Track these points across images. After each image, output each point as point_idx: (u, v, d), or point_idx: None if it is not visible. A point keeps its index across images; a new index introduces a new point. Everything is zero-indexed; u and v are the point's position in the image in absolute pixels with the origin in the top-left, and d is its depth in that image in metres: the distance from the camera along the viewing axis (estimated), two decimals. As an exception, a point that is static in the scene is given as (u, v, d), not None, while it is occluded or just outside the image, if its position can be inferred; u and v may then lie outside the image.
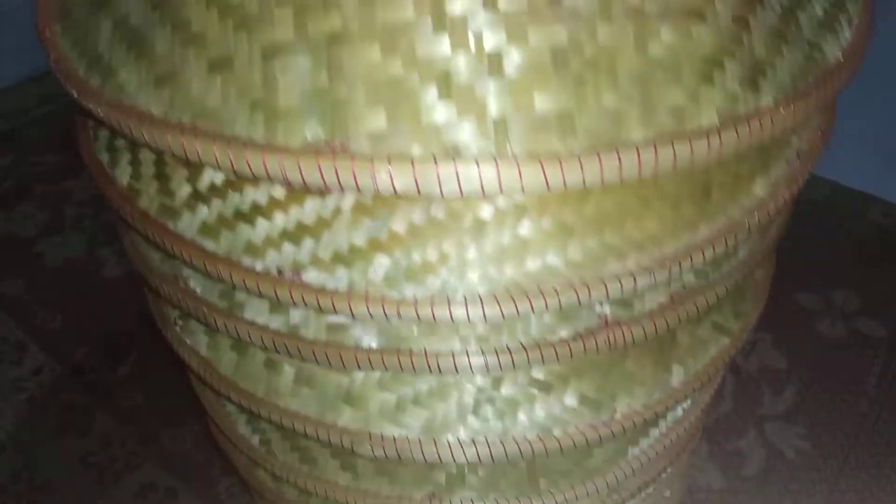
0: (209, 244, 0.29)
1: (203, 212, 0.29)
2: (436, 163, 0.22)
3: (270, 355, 0.35)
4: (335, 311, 0.27)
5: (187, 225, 0.29)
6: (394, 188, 0.22)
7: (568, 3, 0.23)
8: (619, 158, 0.22)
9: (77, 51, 0.29)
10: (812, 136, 0.31)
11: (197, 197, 0.30)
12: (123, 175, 0.32)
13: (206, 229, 0.29)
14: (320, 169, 0.23)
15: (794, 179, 0.30)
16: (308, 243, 0.27)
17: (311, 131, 0.24)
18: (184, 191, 0.30)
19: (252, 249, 0.28)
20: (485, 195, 0.23)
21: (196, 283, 0.33)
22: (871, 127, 1.10)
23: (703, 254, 0.28)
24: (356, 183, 0.22)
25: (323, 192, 0.26)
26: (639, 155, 0.23)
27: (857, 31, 0.29)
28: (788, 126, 0.25)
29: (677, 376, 0.36)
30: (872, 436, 0.84)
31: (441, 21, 0.23)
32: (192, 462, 0.83)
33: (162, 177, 0.31)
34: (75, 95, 0.28)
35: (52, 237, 1.13)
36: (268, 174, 0.23)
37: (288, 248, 0.28)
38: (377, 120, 0.23)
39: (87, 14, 0.29)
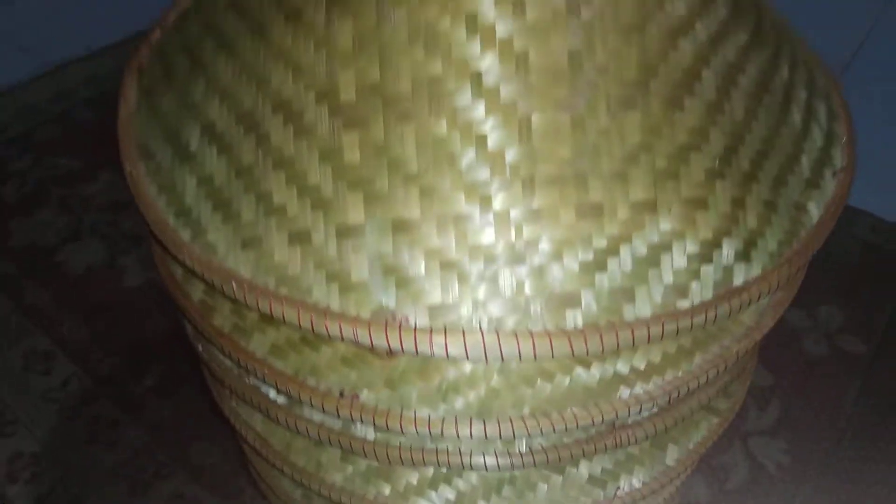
0: (278, 363, 0.34)
1: (272, 335, 0.34)
2: (482, 335, 0.27)
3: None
4: (387, 429, 0.33)
5: (258, 345, 0.34)
6: (447, 354, 0.27)
7: (593, 198, 0.28)
8: (632, 332, 0.27)
9: (164, 199, 0.33)
10: (799, 273, 0.36)
11: (266, 321, 0.34)
12: (196, 291, 0.37)
13: (276, 350, 0.34)
14: (387, 338, 0.28)
15: (780, 306, 0.35)
16: (364, 370, 0.32)
17: (379, 302, 0.28)
18: (254, 314, 0.35)
19: (316, 371, 0.33)
20: (521, 360, 0.28)
21: (261, 385, 0.38)
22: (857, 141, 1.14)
23: (698, 378, 0.33)
24: (416, 350, 0.27)
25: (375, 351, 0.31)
26: (648, 330, 0.28)
27: (840, 182, 0.34)
28: (776, 288, 0.30)
29: (672, 455, 0.41)
30: (849, 451, 0.90)
31: (487, 213, 0.28)
32: (218, 473, 0.89)
33: (235, 299, 0.36)
34: (163, 242, 0.33)
35: (73, 244, 1.17)
36: (342, 337, 0.28)
37: (347, 372, 0.33)
38: (435, 296, 0.28)
39: (171, 163, 0.34)
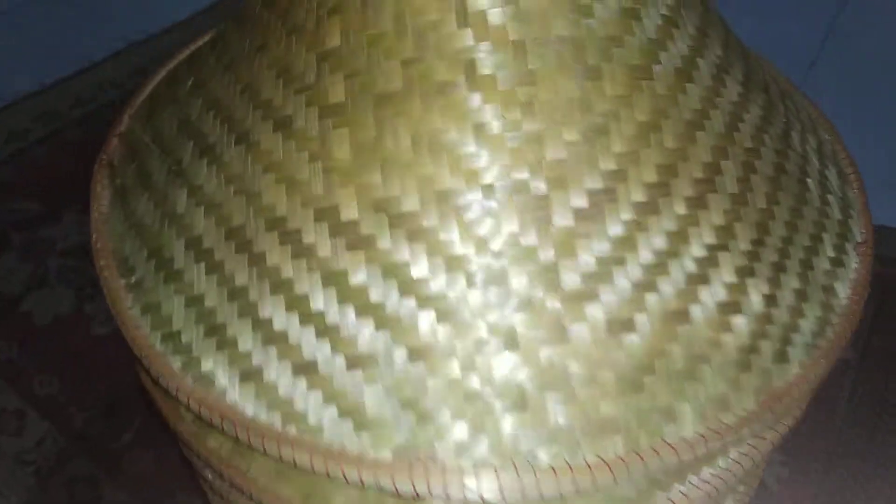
0: (285, 490, 0.31)
1: (272, 464, 0.32)
2: (518, 473, 0.25)
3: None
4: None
5: (261, 471, 0.32)
6: (482, 500, 0.25)
7: (618, 315, 0.26)
8: (676, 453, 0.26)
9: (148, 320, 0.31)
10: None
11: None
12: (188, 413, 0.34)
13: (282, 475, 0.31)
14: (413, 482, 0.25)
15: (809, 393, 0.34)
16: (384, 499, 0.30)
17: (400, 440, 0.26)
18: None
19: (328, 499, 0.31)
20: (562, 498, 0.25)
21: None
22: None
23: (735, 471, 0.31)
24: (446, 495, 0.25)
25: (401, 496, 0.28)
26: (694, 449, 0.26)
27: (863, 256, 0.32)
28: (815, 382, 0.28)
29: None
30: (844, 458, 0.90)
31: (513, 343, 0.26)
32: (207, 528, 0.86)
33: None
34: (150, 369, 0.30)
35: (38, 292, 1.12)
36: (362, 483, 0.26)
37: (362, 497, 0.30)
38: (461, 431, 0.26)
39: (154, 280, 0.31)
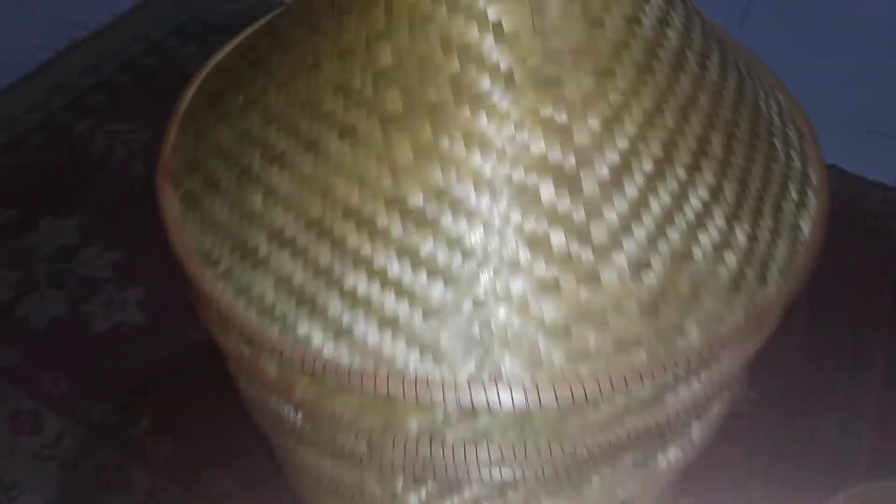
0: (367, 421, 0.38)
1: (357, 397, 0.38)
2: (564, 382, 0.32)
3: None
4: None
5: (345, 407, 0.38)
6: (540, 404, 0.32)
7: (641, 258, 0.33)
8: (688, 358, 0.33)
9: (242, 301, 0.36)
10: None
11: (346, 392, 0.38)
12: (271, 367, 0.40)
13: (363, 409, 0.38)
14: (487, 396, 0.32)
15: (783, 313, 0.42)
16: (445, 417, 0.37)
17: (470, 369, 0.33)
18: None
19: (400, 422, 0.37)
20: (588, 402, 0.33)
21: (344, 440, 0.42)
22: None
23: (727, 374, 0.39)
24: (513, 404, 0.32)
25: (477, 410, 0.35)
26: (700, 354, 0.33)
27: (819, 197, 0.40)
28: (788, 301, 0.36)
29: (695, 431, 0.48)
30: (803, 373, 1.01)
31: (556, 293, 0.33)
32: (234, 498, 0.92)
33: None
34: (253, 338, 0.36)
35: (30, 297, 1.15)
36: (445, 404, 0.33)
37: (430, 419, 0.37)
38: (510, 363, 0.33)
39: (241, 268, 0.37)
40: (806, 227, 0.38)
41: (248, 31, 0.47)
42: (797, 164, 0.40)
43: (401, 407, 0.37)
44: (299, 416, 0.42)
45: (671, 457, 0.46)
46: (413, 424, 0.37)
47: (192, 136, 0.42)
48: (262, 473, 0.94)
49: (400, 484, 0.45)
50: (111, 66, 1.53)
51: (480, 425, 0.37)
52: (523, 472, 0.40)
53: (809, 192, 0.40)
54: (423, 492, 0.45)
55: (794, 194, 0.39)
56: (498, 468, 0.40)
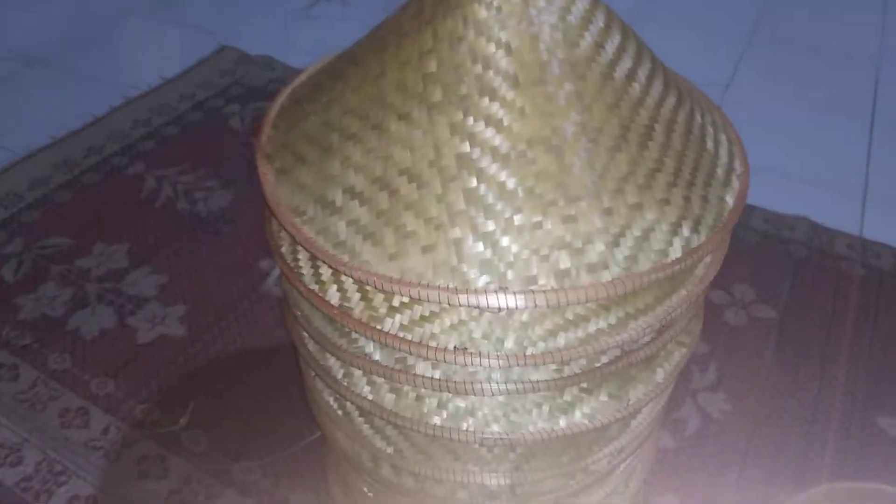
0: (407, 335, 0.51)
1: (399, 318, 0.52)
2: (555, 292, 0.46)
3: (419, 392, 0.58)
4: (479, 366, 0.50)
5: (391, 326, 0.52)
6: (535, 305, 0.46)
7: (605, 205, 0.47)
8: (640, 279, 0.47)
9: (321, 238, 0.51)
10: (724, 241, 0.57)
11: (393, 310, 0.52)
12: (333, 298, 0.54)
13: (403, 328, 0.51)
14: (497, 300, 0.46)
15: (716, 263, 0.55)
16: (463, 332, 0.50)
17: (485, 281, 0.47)
18: (384, 307, 0.52)
19: (434, 337, 0.51)
20: (559, 305, 0.46)
21: (378, 355, 0.55)
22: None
23: (675, 310, 0.53)
24: (516, 305, 0.46)
25: (489, 310, 0.49)
26: (649, 277, 0.47)
27: (741, 180, 0.55)
28: (715, 247, 0.50)
29: (659, 375, 0.61)
30: (773, 394, 1.13)
31: (555, 222, 0.47)
32: (262, 486, 1.03)
33: (365, 298, 0.53)
34: (329, 263, 0.50)
35: (81, 312, 1.29)
36: (468, 305, 0.46)
37: (453, 335, 0.51)
38: (524, 273, 0.46)
39: (321, 215, 0.51)
40: (730, 199, 0.53)
41: (324, 58, 0.63)
42: (724, 157, 0.55)
43: (433, 325, 0.51)
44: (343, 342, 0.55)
45: (640, 393, 0.59)
46: (442, 339, 0.51)
47: (282, 128, 0.57)
48: (288, 468, 1.05)
49: (427, 405, 0.58)
50: (160, 120, 1.72)
51: (492, 340, 0.50)
52: (524, 385, 0.53)
53: (734, 177, 0.54)
54: (445, 413, 0.58)
55: (721, 176, 0.53)
56: (504, 381, 0.53)
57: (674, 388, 1.14)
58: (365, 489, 0.76)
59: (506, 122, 0.48)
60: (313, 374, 0.66)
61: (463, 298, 0.46)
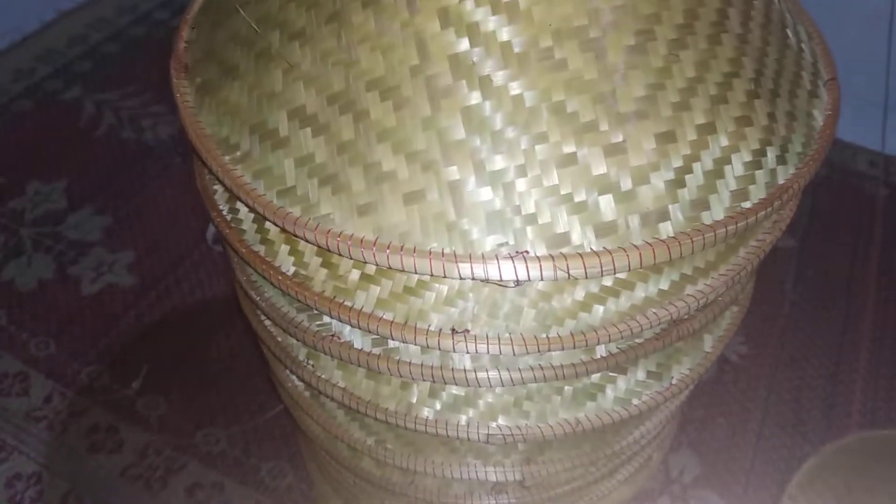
0: (386, 315, 0.37)
1: (375, 291, 0.38)
2: (598, 256, 0.32)
3: (405, 380, 0.45)
4: (499, 354, 0.37)
5: (364, 302, 0.38)
6: (568, 275, 0.32)
7: (665, 127, 0.33)
8: (715, 233, 0.33)
9: (261, 183, 0.36)
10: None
11: (367, 279, 0.38)
12: (286, 264, 0.40)
13: (382, 304, 0.38)
14: (515, 269, 0.32)
15: (793, 206, 0.42)
16: (465, 308, 0.36)
17: (495, 242, 0.33)
18: (353, 275, 0.38)
19: (423, 315, 0.37)
20: (630, 269, 0.33)
21: (351, 336, 0.42)
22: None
23: (744, 268, 0.39)
24: (542, 276, 0.32)
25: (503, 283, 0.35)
26: (726, 228, 0.33)
27: (830, 90, 0.40)
28: (807, 181, 0.36)
29: (707, 344, 0.48)
30: (796, 332, 1.02)
31: (583, 149, 0.33)
32: (230, 456, 0.91)
33: (328, 264, 0.39)
34: (273, 220, 0.35)
35: (16, 261, 1.13)
36: (473, 278, 0.32)
37: (451, 312, 0.37)
38: (549, 229, 0.32)
39: (260, 150, 0.36)
40: (819, 116, 0.39)
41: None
42: (808, 56, 0.40)
43: (422, 300, 0.37)
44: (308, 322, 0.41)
45: (685, 369, 0.47)
46: (434, 318, 0.37)
47: (206, 29, 0.41)
48: (257, 434, 0.93)
49: (415, 394, 0.45)
50: (98, 36, 1.52)
51: (501, 317, 0.37)
52: (543, 373, 0.40)
53: (821, 85, 0.40)
54: (438, 404, 0.45)
55: (807, 83, 0.39)
56: (517, 369, 0.40)
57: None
58: (345, 476, 0.64)
59: (522, 5, 0.33)
60: (277, 359, 0.52)
61: (464, 268, 0.32)
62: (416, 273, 0.33)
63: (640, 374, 0.45)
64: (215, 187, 0.44)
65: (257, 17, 0.38)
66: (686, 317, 0.41)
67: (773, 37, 0.38)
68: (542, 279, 0.32)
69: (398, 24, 0.33)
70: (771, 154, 0.35)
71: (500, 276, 0.32)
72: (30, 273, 1.12)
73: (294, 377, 0.53)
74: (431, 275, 0.33)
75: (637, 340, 0.41)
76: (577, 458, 0.51)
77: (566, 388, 0.44)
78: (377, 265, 0.34)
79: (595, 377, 0.44)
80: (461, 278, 0.33)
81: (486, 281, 0.34)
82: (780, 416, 0.94)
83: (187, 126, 0.39)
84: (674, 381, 0.46)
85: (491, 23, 0.33)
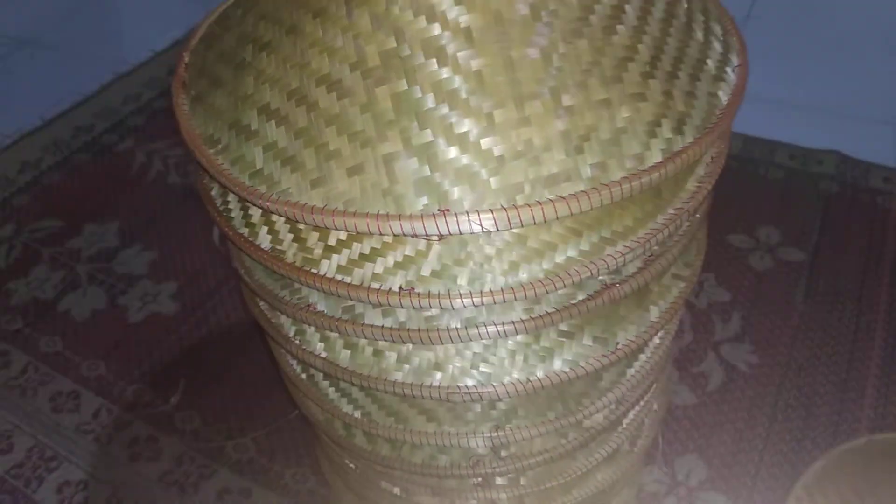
0: (346, 278, 0.44)
1: (336, 258, 0.44)
2: (509, 210, 0.38)
3: (376, 346, 0.50)
4: (431, 308, 0.43)
5: (327, 268, 0.44)
6: (482, 229, 0.38)
7: (566, 103, 0.39)
8: (611, 191, 0.38)
9: (237, 168, 0.43)
10: (719, 146, 0.48)
11: (330, 250, 0.44)
12: (265, 241, 0.47)
13: (342, 269, 0.44)
14: (437, 225, 0.38)
15: (711, 176, 0.47)
16: (411, 270, 0.42)
17: (423, 203, 0.39)
18: (319, 247, 0.45)
19: (377, 278, 0.43)
20: (535, 223, 0.38)
21: (323, 305, 0.48)
22: (768, 83, 1.29)
23: (662, 232, 0.44)
24: (459, 229, 0.38)
25: (429, 238, 0.41)
26: (621, 187, 0.39)
27: (738, 74, 0.46)
28: (704, 151, 0.41)
29: (653, 314, 0.52)
30: (805, 342, 1.04)
31: (491, 127, 0.39)
32: (257, 463, 0.97)
33: (298, 239, 0.45)
34: (244, 197, 0.42)
35: (72, 294, 1.24)
36: (403, 233, 0.39)
37: (401, 274, 0.43)
38: (465, 192, 0.38)
39: (236, 142, 0.44)
40: (724, 96, 0.44)
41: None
42: (717, 48, 0.46)
43: (375, 264, 0.43)
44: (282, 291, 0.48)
45: (630, 335, 0.51)
46: (389, 280, 0.43)
47: (201, 53, 0.50)
48: (282, 443, 0.99)
49: (387, 360, 0.51)
50: (150, 94, 1.66)
51: (445, 277, 0.43)
52: (486, 329, 0.45)
53: (728, 70, 0.45)
54: (408, 367, 0.51)
55: (712, 69, 0.44)
56: (465, 328, 0.45)
57: (692, 340, 1.05)
58: (346, 461, 0.70)
59: (440, 7, 0.39)
60: (273, 339, 0.59)
61: (396, 225, 0.39)
62: (356, 231, 0.39)
63: (587, 339, 0.50)
64: (211, 185, 0.52)
65: (237, 35, 0.46)
66: (617, 280, 0.46)
67: (675, 30, 0.44)
68: (460, 233, 0.38)
69: (339, 29, 0.41)
70: (666, 125, 0.41)
71: (426, 232, 0.39)
72: (84, 303, 1.22)
73: (289, 357, 0.59)
74: (369, 233, 0.39)
75: (572, 301, 0.46)
76: (545, 426, 0.55)
77: (518, 352, 0.50)
78: (325, 227, 0.40)
79: (545, 342, 0.49)
80: (394, 234, 0.39)
81: (415, 236, 0.40)
82: (788, 423, 0.95)
83: (182, 128, 0.47)
84: (619, 346, 0.50)
85: (415, 23, 0.40)
